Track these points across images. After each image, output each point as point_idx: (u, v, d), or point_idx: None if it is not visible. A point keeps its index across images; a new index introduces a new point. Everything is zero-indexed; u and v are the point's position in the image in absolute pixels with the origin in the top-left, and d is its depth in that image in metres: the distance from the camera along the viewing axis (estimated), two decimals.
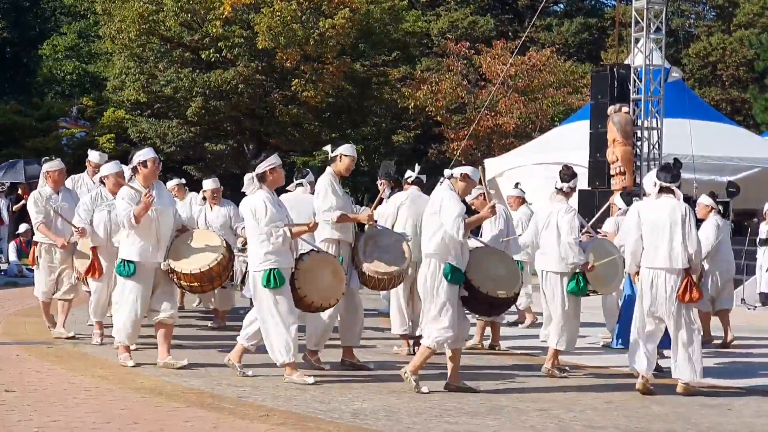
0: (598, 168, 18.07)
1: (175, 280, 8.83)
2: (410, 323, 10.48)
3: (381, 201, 10.33)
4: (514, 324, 12.84)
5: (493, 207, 8.33)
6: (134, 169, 8.87)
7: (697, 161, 17.84)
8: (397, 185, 11.60)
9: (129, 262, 8.69)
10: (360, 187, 36.04)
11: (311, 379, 8.25)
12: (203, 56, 31.16)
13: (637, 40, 18.84)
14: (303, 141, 33.52)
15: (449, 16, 42.19)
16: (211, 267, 8.72)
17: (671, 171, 8.69)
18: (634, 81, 18.36)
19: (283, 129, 33.05)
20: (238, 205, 13.90)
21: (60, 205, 10.48)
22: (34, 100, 40.65)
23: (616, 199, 11.78)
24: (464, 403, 7.78)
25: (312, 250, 8.72)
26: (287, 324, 8.20)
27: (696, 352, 8.41)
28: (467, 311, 8.50)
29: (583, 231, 9.91)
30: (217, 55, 30.99)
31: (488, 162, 24.64)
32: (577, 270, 9.25)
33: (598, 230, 10.82)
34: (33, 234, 11.03)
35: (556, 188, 9.55)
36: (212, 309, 12.19)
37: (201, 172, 35.17)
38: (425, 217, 8.42)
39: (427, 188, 11.62)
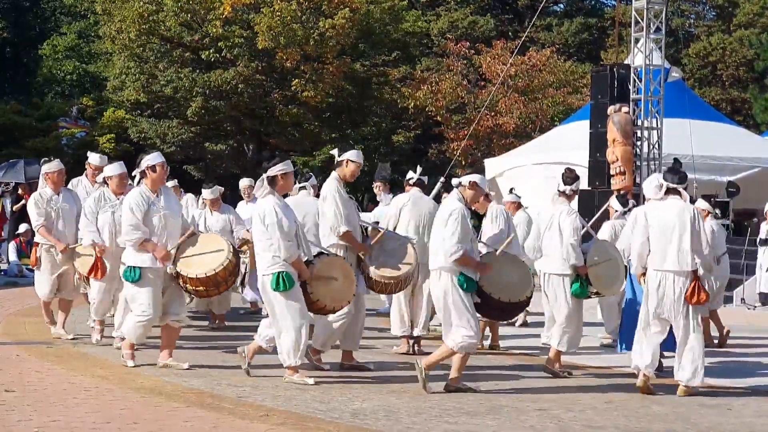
0: (598, 168, 18.07)
1: (181, 284, 8.82)
2: (410, 324, 10.49)
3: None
4: (512, 323, 12.83)
5: (490, 268, 8.35)
6: (143, 173, 8.83)
7: (697, 161, 17.85)
8: (394, 187, 11.62)
9: (135, 267, 8.67)
10: (360, 187, 36.04)
11: (311, 380, 8.25)
12: (203, 56, 31.17)
13: (637, 40, 18.84)
14: (303, 141, 33.54)
15: (449, 16, 42.20)
16: (218, 272, 8.72)
17: (678, 173, 8.71)
18: (634, 81, 18.36)
19: (283, 129, 33.06)
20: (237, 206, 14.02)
21: (61, 206, 10.45)
22: (34, 100, 40.67)
23: (612, 202, 11.79)
24: (464, 402, 7.78)
25: (321, 252, 8.72)
26: (297, 326, 8.20)
27: (700, 356, 8.44)
28: (478, 315, 8.51)
29: (581, 232, 9.91)
30: (217, 55, 31.00)
31: (488, 162, 24.64)
32: (576, 272, 9.26)
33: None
34: (33, 234, 11.01)
35: (558, 190, 9.56)
36: (208, 310, 12.14)
37: (201, 172, 35.23)
38: (434, 228, 8.41)
39: (427, 188, 11.65)
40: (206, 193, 12.24)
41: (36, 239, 10.71)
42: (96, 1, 34.13)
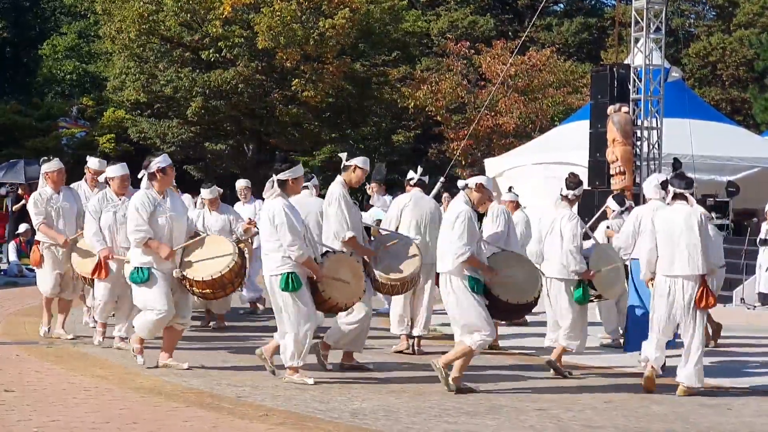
0: (598, 168, 18.05)
1: (187, 287, 8.81)
2: (409, 323, 10.50)
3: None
4: (520, 324, 12.82)
5: (496, 273, 8.38)
6: (152, 175, 8.81)
7: (696, 161, 17.84)
8: (394, 187, 11.63)
9: (142, 268, 8.66)
10: (360, 187, 36.09)
11: (311, 380, 8.25)
12: (203, 56, 31.19)
13: (636, 40, 18.82)
14: (303, 141, 33.56)
15: (449, 15, 42.21)
16: (223, 274, 8.71)
17: (685, 178, 8.76)
18: (634, 81, 18.35)
19: (283, 129, 33.07)
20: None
21: (61, 205, 10.43)
22: (34, 100, 40.70)
23: (609, 202, 11.80)
24: (463, 402, 7.78)
25: (328, 251, 8.73)
26: (302, 328, 8.20)
27: (701, 359, 8.48)
28: None
29: (582, 236, 9.92)
30: (217, 55, 31.02)
31: (488, 162, 24.63)
32: (579, 277, 9.27)
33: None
34: (33, 234, 10.99)
35: (561, 195, 9.57)
36: (206, 310, 12.10)
37: (201, 172, 35.22)
38: (441, 232, 8.42)
39: (428, 188, 11.66)
40: (205, 193, 12.21)
41: (37, 237, 10.69)
42: (96, 1, 34.16)
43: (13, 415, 6.77)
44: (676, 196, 8.66)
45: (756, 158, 20.90)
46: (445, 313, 13.03)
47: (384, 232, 10.16)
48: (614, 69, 18.45)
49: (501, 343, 11.04)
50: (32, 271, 14.47)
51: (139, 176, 8.93)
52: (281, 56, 30.32)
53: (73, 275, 10.50)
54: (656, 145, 18.22)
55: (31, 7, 47.40)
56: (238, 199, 14.04)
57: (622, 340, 11.31)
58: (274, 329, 8.64)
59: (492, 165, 24.03)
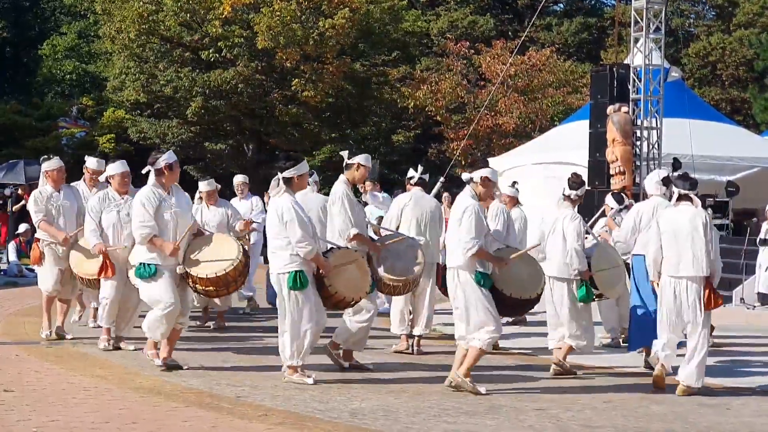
0: (598, 168, 18.06)
1: (190, 284, 8.82)
2: (410, 323, 10.50)
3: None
4: (514, 323, 12.83)
5: (506, 262, 8.39)
6: (159, 172, 8.80)
7: (696, 161, 17.84)
8: (395, 186, 11.63)
9: (149, 264, 8.65)
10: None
11: (311, 380, 8.25)
12: (203, 56, 31.18)
13: (636, 40, 18.83)
14: (303, 141, 33.54)
15: (449, 15, 42.21)
16: (227, 271, 8.72)
17: (689, 179, 8.79)
18: (634, 81, 18.36)
19: (282, 129, 33.06)
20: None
21: (61, 204, 10.41)
22: (34, 100, 40.70)
23: (608, 199, 11.83)
24: (463, 402, 7.79)
25: (332, 248, 8.74)
26: (304, 327, 8.22)
27: (704, 359, 8.52)
28: None
29: (584, 237, 9.94)
30: (217, 55, 31.01)
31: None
32: (580, 277, 9.28)
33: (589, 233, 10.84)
34: (33, 234, 10.97)
35: (563, 195, 9.59)
36: (203, 309, 12.09)
37: (201, 172, 35.20)
38: (450, 228, 8.41)
39: (428, 187, 11.66)
40: (203, 186, 12.20)
41: (36, 235, 10.66)
42: (96, 1, 34.14)
43: (12, 415, 6.77)
44: (681, 198, 8.69)
45: (756, 158, 20.90)
46: (446, 313, 13.07)
47: (386, 232, 10.17)
48: (614, 69, 18.46)
49: (501, 343, 11.01)
50: (32, 271, 14.47)
51: (144, 172, 8.93)
52: (281, 56, 30.32)
53: (71, 275, 10.49)
54: (656, 145, 18.23)
55: (31, 7, 47.39)
56: (236, 195, 14.04)
57: (622, 339, 11.33)
58: (274, 329, 8.64)
59: (492, 165, 23.98)
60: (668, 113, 18.74)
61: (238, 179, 14.18)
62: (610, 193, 12.52)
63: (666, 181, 10.12)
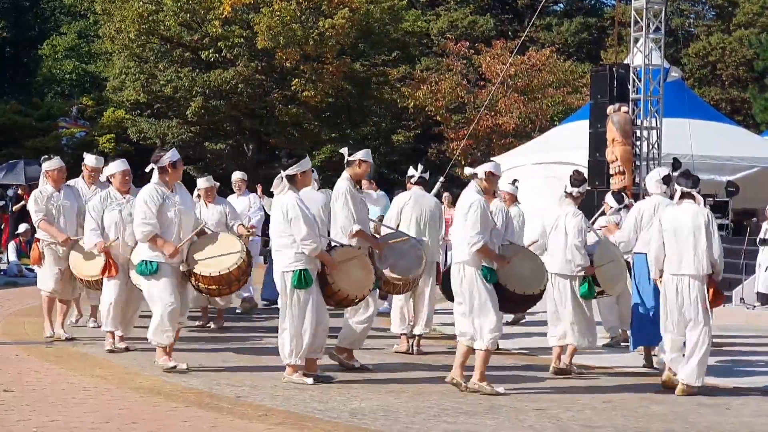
0: (598, 167, 18.06)
1: (193, 282, 8.82)
2: (411, 323, 10.50)
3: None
4: (513, 322, 12.84)
5: (508, 261, 8.41)
6: (163, 169, 8.79)
7: (696, 161, 17.84)
8: (395, 186, 11.63)
9: (151, 261, 8.64)
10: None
11: (310, 380, 8.25)
12: (203, 56, 31.18)
13: (636, 40, 18.83)
14: (303, 141, 33.51)
15: (449, 15, 42.20)
16: (231, 270, 8.73)
17: (691, 177, 8.80)
18: (634, 81, 18.35)
19: (282, 129, 33.05)
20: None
21: (62, 203, 10.40)
22: (34, 100, 40.69)
23: (607, 198, 11.84)
24: (462, 402, 7.79)
25: (335, 246, 8.74)
26: (305, 327, 8.22)
27: (705, 358, 8.52)
28: None
29: (586, 234, 9.94)
30: (217, 54, 31.01)
31: None
32: (582, 273, 9.29)
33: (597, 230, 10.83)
34: (33, 234, 10.96)
35: (565, 192, 9.60)
36: (202, 309, 12.07)
37: (201, 172, 35.20)
38: (455, 223, 8.39)
39: (429, 186, 11.66)
40: (201, 182, 12.17)
41: (36, 235, 10.64)
42: (96, 1, 34.13)
43: (12, 415, 6.77)
44: (683, 195, 8.70)
45: (755, 158, 20.90)
46: (446, 313, 13.07)
47: (386, 230, 10.18)
48: (614, 69, 18.46)
49: (501, 343, 10.95)
50: (32, 271, 14.47)
51: (147, 170, 8.93)
52: (281, 56, 30.31)
53: (72, 276, 10.46)
54: (656, 145, 18.23)
55: (31, 7, 47.37)
56: (233, 192, 14.04)
57: (623, 338, 11.34)
58: (273, 329, 8.64)
59: None
60: (668, 113, 18.74)
61: (237, 176, 14.19)
62: (609, 192, 12.52)
63: (667, 180, 10.13)
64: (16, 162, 24.69)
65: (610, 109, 17.82)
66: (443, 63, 36.06)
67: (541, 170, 21.12)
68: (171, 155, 8.87)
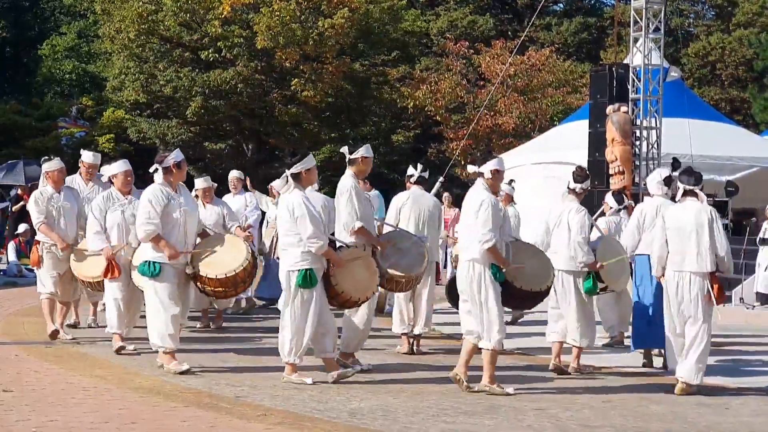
0: (597, 167, 18.04)
1: (199, 285, 8.80)
2: (410, 323, 10.50)
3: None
4: (512, 322, 12.84)
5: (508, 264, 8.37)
6: (167, 170, 8.79)
7: (696, 161, 17.83)
8: (396, 186, 11.62)
9: (155, 262, 8.62)
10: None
11: (309, 380, 8.26)
12: (202, 56, 31.17)
13: (635, 40, 18.82)
14: (302, 140, 33.50)
15: (448, 15, 42.21)
16: (237, 272, 8.73)
17: (694, 174, 8.80)
18: (633, 80, 18.34)
19: (282, 129, 33.05)
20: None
21: (62, 205, 10.37)
22: (33, 100, 40.70)
23: (607, 198, 11.84)
24: (461, 402, 7.79)
25: (341, 246, 8.73)
26: (304, 325, 8.24)
27: (706, 357, 8.55)
28: None
29: (589, 230, 9.95)
30: (217, 54, 31.00)
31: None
32: (587, 269, 9.30)
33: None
34: (33, 234, 10.94)
35: (568, 188, 9.61)
36: (202, 310, 12.06)
37: (200, 172, 35.22)
38: (464, 222, 8.38)
39: (428, 186, 11.64)
40: (199, 182, 12.14)
41: (37, 237, 10.62)
42: (95, 1, 34.14)
43: (11, 415, 6.78)
44: (686, 193, 8.71)
45: (755, 158, 20.90)
46: (445, 313, 13.08)
47: (388, 228, 10.17)
48: (613, 69, 18.44)
49: None
50: (32, 271, 14.47)
51: (152, 170, 8.93)
52: (280, 56, 30.31)
53: (73, 277, 10.44)
54: (655, 145, 18.21)
55: (31, 7, 47.37)
56: (229, 191, 14.04)
57: (621, 338, 11.34)
58: (273, 329, 8.64)
59: None
60: (668, 113, 18.73)
61: (233, 174, 14.20)
62: (609, 192, 12.52)
63: (668, 181, 10.15)
64: (16, 162, 24.67)
65: (609, 108, 17.81)
66: (443, 63, 36.05)
67: (540, 170, 21.12)
68: (175, 156, 8.87)
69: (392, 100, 34.16)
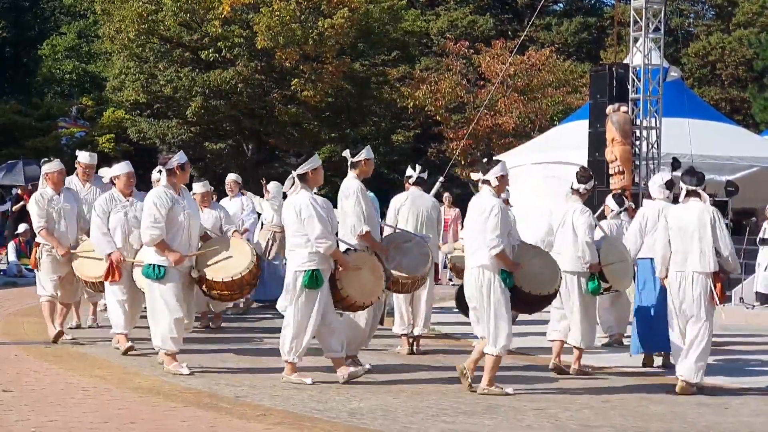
0: (597, 167, 17.99)
1: (204, 289, 8.79)
2: (410, 323, 10.50)
3: None
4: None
5: (520, 266, 8.37)
6: (171, 172, 8.77)
7: (695, 160, 17.80)
8: (395, 186, 11.61)
9: (159, 265, 8.59)
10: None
11: (309, 380, 8.26)
12: (202, 56, 31.18)
13: (635, 40, 18.81)
14: (302, 140, 33.52)
15: (448, 15, 42.19)
16: (243, 275, 8.73)
17: (696, 174, 8.82)
18: (633, 80, 18.33)
19: (282, 128, 33.06)
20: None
21: (62, 206, 10.33)
22: (33, 100, 40.70)
23: (608, 201, 11.83)
24: (461, 402, 7.79)
25: (349, 249, 8.72)
26: (307, 326, 8.25)
27: (707, 356, 8.56)
28: None
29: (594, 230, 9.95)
30: (217, 54, 31.01)
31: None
32: (591, 270, 9.30)
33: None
34: (33, 234, 10.92)
35: (572, 188, 9.60)
36: (201, 313, 12.03)
37: (200, 172, 35.24)
38: (472, 227, 8.34)
39: (427, 186, 11.63)
40: (197, 187, 12.13)
41: (37, 239, 10.60)
42: (95, 1, 34.14)
43: (11, 415, 6.78)
44: (689, 194, 8.72)
45: (755, 158, 20.88)
46: (444, 313, 13.08)
47: (389, 229, 10.16)
48: (613, 69, 18.43)
49: None
50: (31, 271, 14.46)
51: (156, 172, 8.91)
52: (280, 56, 30.31)
53: (74, 279, 10.40)
54: (655, 145, 18.21)
55: (31, 7, 47.37)
56: (226, 194, 14.03)
57: (619, 338, 11.34)
58: (272, 329, 8.64)
59: None
60: (667, 113, 18.72)
61: (231, 177, 14.21)
62: (611, 195, 12.51)
63: (669, 185, 10.16)
64: (15, 162, 24.69)
65: (609, 108, 17.80)
66: (443, 63, 36.03)
67: (540, 170, 21.09)
68: (179, 158, 8.86)
69: (392, 100, 34.16)
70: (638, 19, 18.45)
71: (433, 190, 16.66)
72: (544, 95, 33.16)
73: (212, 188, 12.37)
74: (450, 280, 17.28)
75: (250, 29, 30.37)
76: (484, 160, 8.75)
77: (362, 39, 33.39)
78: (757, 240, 16.46)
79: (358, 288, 8.46)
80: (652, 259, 9.46)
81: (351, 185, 9.02)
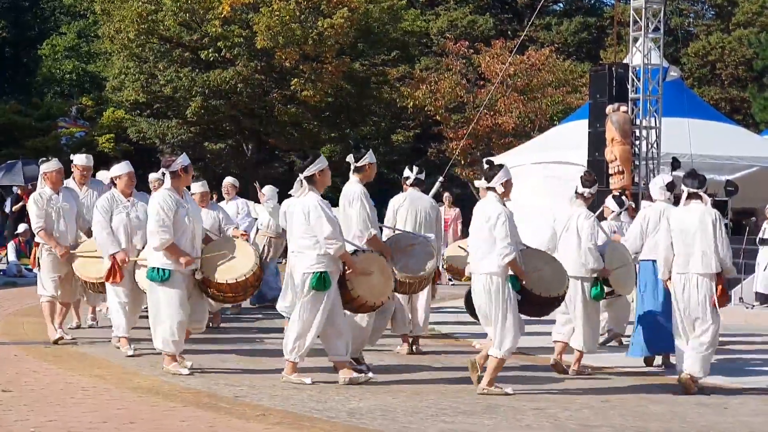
0: (597, 167, 17.99)
1: (209, 291, 8.77)
2: (410, 323, 10.50)
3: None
4: None
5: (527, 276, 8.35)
6: (175, 174, 8.73)
7: (695, 160, 17.81)
8: (395, 187, 11.58)
9: (164, 268, 8.54)
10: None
11: (309, 380, 8.26)
12: (202, 56, 31.20)
13: (635, 40, 18.81)
14: (302, 140, 33.55)
15: (448, 15, 42.21)
16: (248, 277, 8.72)
17: (697, 176, 8.84)
18: (633, 80, 18.33)
19: (282, 128, 33.08)
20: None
21: (61, 206, 10.32)
22: (33, 100, 40.70)
23: (608, 202, 11.82)
24: (460, 402, 7.79)
25: (357, 250, 8.69)
26: (312, 326, 8.25)
27: (711, 354, 8.57)
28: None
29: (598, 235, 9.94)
30: (216, 54, 31.03)
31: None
32: (596, 275, 9.29)
33: None
34: (33, 234, 10.91)
35: (576, 192, 9.59)
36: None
37: (200, 172, 35.25)
38: (478, 235, 8.31)
39: (426, 187, 11.61)
40: (195, 187, 12.10)
41: (37, 239, 10.60)
42: (95, 1, 34.17)
43: (10, 415, 6.78)
44: (690, 196, 8.72)
45: (755, 157, 20.88)
46: (443, 313, 13.07)
47: (387, 231, 10.14)
48: (613, 68, 18.43)
49: None
50: (31, 271, 14.47)
51: (161, 173, 8.91)
52: (280, 56, 30.32)
53: (74, 278, 10.39)
54: (655, 145, 18.21)
55: (31, 7, 47.37)
56: (243, 196, 14.06)
57: (621, 337, 11.34)
58: (272, 330, 8.64)
59: None
60: (667, 113, 18.72)
61: (227, 181, 14.21)
62: (610, 196, 12.50)
63: (670, 187, 10.15)
64: (15, 162, 24.69)
65: (609, 108, 17.80)
66: (442, 62, 36.03)
67: (540, 170, 21.09)
68: (182, 160, 8.84)
69: (392, 99, 34.17)
70: (638, 19, 18.45)
71: (433, 190, 16.66)
72: (544, 95, 33.16)
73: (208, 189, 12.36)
74: (450, 280, 17.27)
75: (249, 29, 30.39)
76: (485, 165, 8.74)
77: (362, 39, 33.41)
78: (757, 240, 16.45)
79: (368, 288, 8.46)
80: (653, 261, 9.46)
81: (354, 190, 8.98)
